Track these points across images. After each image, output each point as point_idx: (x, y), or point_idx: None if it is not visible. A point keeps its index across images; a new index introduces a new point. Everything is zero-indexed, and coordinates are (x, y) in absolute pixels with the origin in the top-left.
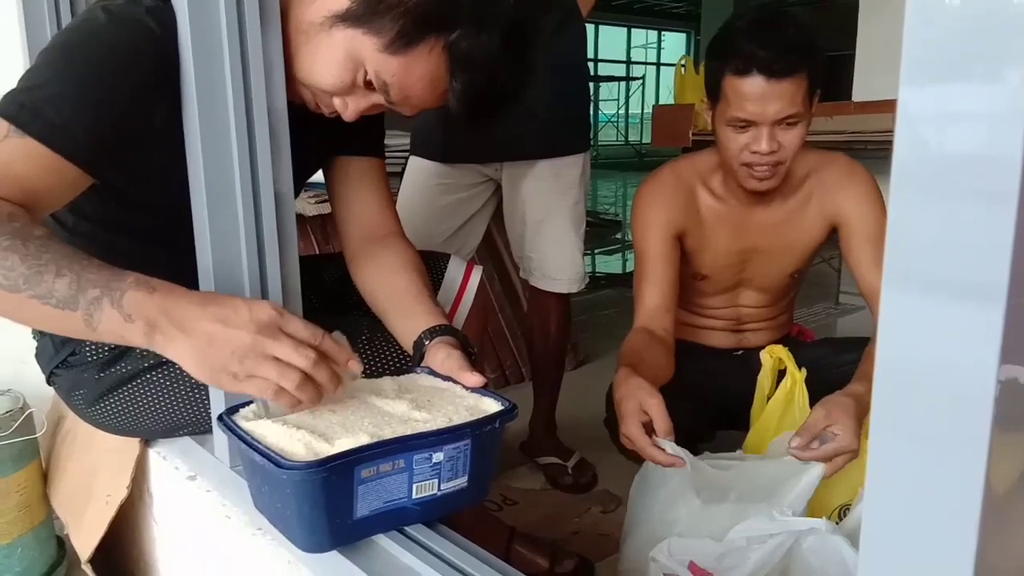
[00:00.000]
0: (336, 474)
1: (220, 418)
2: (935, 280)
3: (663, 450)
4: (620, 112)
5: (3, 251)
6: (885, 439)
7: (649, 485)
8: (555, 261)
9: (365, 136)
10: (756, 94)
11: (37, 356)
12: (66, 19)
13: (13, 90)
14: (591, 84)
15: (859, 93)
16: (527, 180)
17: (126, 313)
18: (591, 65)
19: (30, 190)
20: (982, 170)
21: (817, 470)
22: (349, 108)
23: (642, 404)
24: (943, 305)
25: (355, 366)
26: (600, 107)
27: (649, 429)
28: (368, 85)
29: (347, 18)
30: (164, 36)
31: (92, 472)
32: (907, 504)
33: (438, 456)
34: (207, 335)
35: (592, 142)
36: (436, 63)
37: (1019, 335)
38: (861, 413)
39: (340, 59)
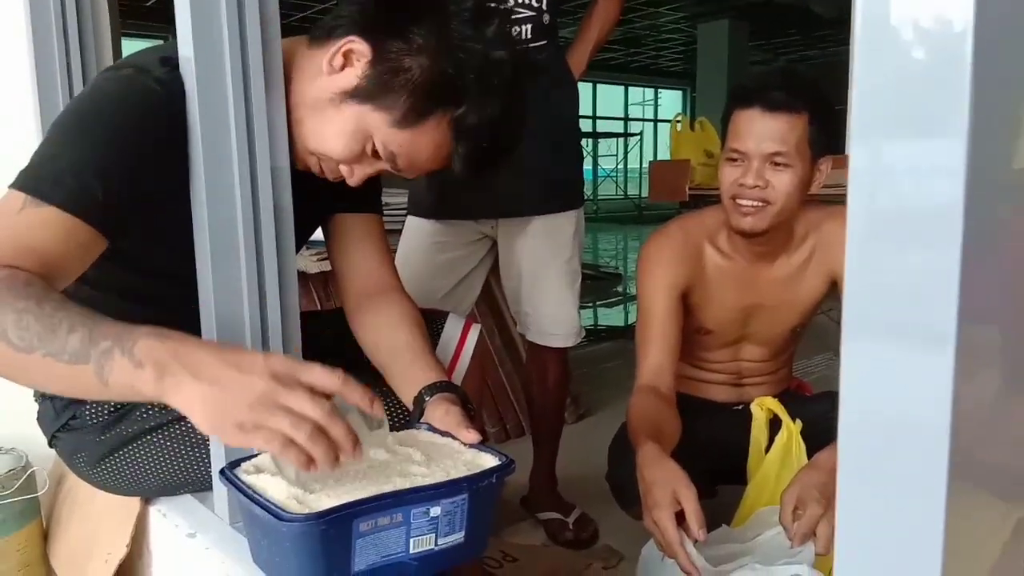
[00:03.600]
0: (335, 527)
1: (222, 472)
2: (890, 326)
3: (687, 552)
4: (619, 167)
5: (19, 312)
6: (851, 480)
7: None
8: (551, 316)
9: (363, 194)
10: (751, 125)
11: (39, 420)
12: (78, 85)
13: (29, 165)
14: (591, 140)
15: None
16: (522, 237)
17: (137, 360)
18: (590, 122)
19: (46, 258)
20: (928, 220)
21: (807, 551)
22: (355, 175)
23: (677, 494)
24: (900, 350)
25: (379, 410)
26: (599, 162)
27: (679, 517)
28: (375, 154)
29: (357, 95)
30: (172, 102)
31: (92, 531)
32: (874, 543)
33: (436, 510)
34: (218, 379)
35: (592, 196)
36: (443, 134)
37: (972, 375)
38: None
39: (350, 132)
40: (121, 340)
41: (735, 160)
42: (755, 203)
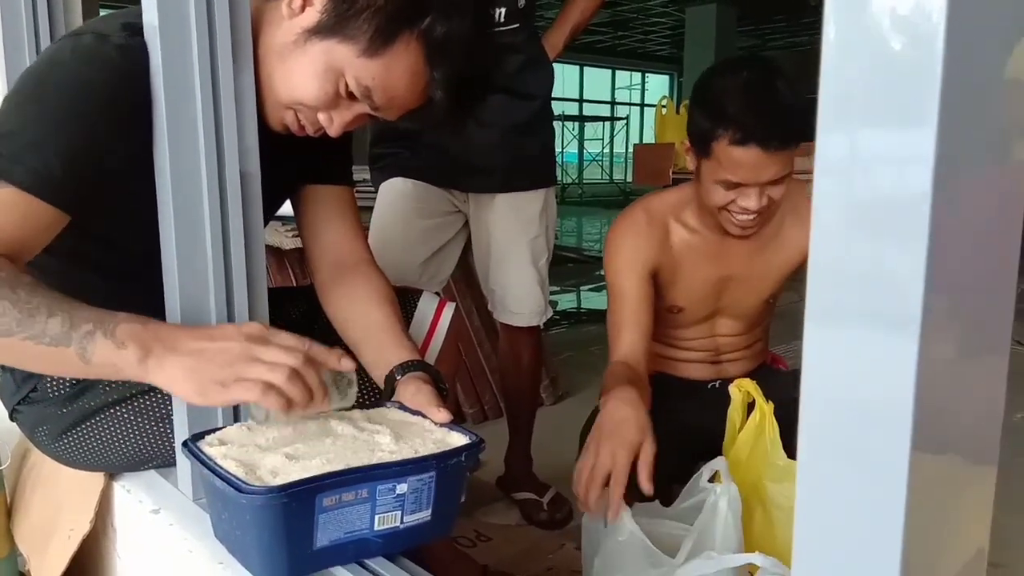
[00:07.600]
0: (297, 500)
1: (185, 443)
2: (854, 314)
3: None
4: (605, 151)
5: None
6: (812, 466)
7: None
8: (515, 295)
9: (333, 164)
10: (751, 163)
11: None
12: (45, 42)
13: None
14: (577, 124)
15: None
16: (490, 214)
17: (119, 341)
18: (577, 105)
19: (11, 239)
20: (895, 210)
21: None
22: (335, 122)
23: (641, 443)
24: (862, 337)
25: (347, 363)
26: (585, 146)
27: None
28: (351, 96)
29: (320, 31)
30: (134, 74)
31: (56, 506)
32: (834, 528)
33: (402, 487)
34: (197, 350)
35: (578, 180)
36: (414, 57)
37: (935, 364)
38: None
39: (320, 71)
40: (103, 323)
41: (733, 187)
42: (754, 218)
